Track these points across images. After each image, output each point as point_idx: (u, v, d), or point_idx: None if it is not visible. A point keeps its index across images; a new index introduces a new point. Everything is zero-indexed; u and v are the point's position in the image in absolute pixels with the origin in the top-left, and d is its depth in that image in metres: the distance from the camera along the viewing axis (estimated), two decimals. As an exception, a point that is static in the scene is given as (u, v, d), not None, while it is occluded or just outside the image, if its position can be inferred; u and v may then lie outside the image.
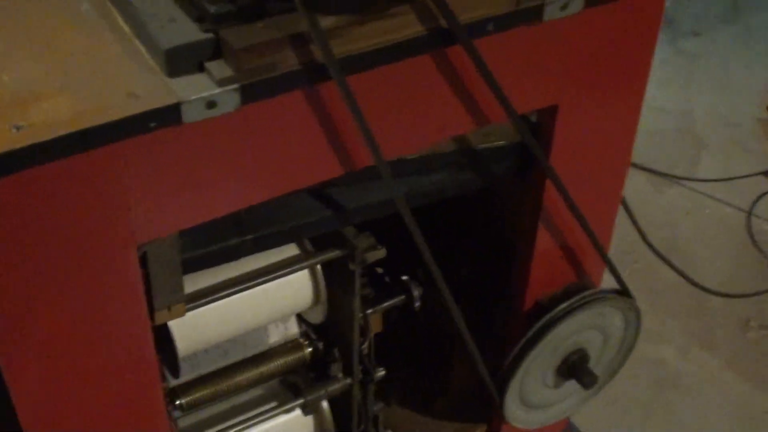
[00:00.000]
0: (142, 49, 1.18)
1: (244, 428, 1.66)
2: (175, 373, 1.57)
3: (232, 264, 1.49)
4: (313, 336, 1.75)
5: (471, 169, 1.54)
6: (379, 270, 1.84)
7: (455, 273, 1.89)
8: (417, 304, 1.85)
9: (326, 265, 1.61)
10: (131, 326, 1.28)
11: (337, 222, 1.45)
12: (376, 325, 1.92)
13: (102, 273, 1.20)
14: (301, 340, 1.73)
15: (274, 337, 1.72)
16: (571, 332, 1.75)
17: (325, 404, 1.77)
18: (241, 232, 1.37)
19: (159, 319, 1.36)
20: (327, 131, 1.25)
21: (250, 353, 1.70)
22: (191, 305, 1.44)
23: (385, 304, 1.83)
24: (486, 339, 1.83)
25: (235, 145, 1.19)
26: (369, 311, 1.78)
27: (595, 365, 1.81)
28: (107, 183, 1.12)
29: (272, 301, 1.56)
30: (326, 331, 1.75)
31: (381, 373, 1.78)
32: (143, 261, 1.28)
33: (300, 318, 1.76)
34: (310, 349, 1.73)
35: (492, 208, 1.82)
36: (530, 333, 1.70)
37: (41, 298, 1.17)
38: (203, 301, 1.45)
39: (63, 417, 1.32)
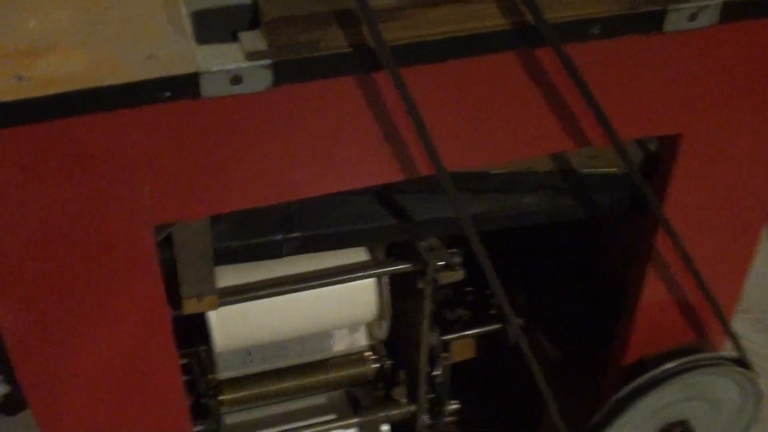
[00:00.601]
0: (184, 10, 1.05)
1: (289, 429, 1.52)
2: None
3: (286, 261, 1.35)
4: (383, 352, 1.58)
5: (570, 195, 1.33)
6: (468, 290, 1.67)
7: (554, 308, 1.69)
8: (511, 338, 1.65)
9: (399, 280, 1.44)
10: (146, 311, 1.16)
11: (399, 233, 1.29)
12: (462, 352, 1.75)
13: (112, 251, 1.09)
14: (367, 354, 1.57)
15: (339, 345, 1.57)
16: (675, 399, 1.50)
17: (386, 428, 1.61)
18: (287, 229, 1.23)
19: (188, 308, 1.24)
20: (380, 128, 1.09)
21: (309, 358, 1.56)
22: (235, 299, 1.31)
23: (472, 332, 1.65)
24: (578, 390, 1.62)
25: (263, 131, 1.04)
26: (450, 337, 1.61)
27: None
28: (110, 152, 1.00)
29: (328, 307, 1.41)
30: (396, 350, 1.59)
31: (454, 406, 1.59)
32: (169, 244, 1.16)
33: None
34: (375, 366, 1.57)
35: (601, 241, 1.59)
36: (624, 391, 1.47)
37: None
38: (249, 296, 1.32)
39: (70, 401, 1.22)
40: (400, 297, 1.48)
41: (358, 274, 1.36)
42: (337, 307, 1.42)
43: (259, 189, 1.09)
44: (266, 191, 1.10)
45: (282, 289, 1.33)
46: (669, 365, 1.47)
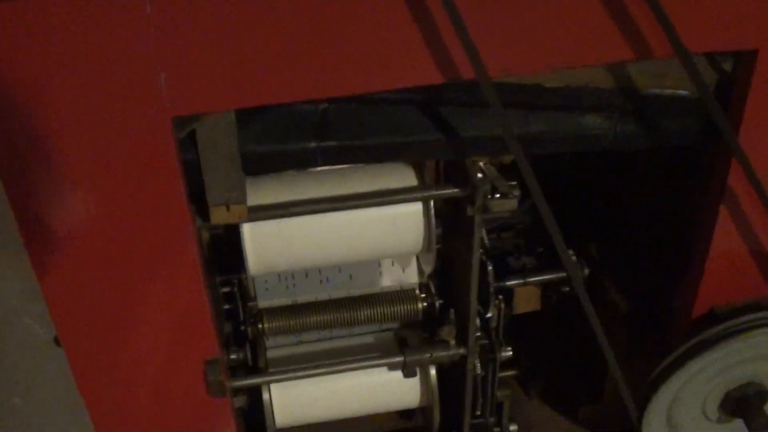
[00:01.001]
0: None
1: (334, 371, 1.45)
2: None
3: (327, 178, 1.28)
4: (434, 291, 1.50)
5: (634, 119, 1.21)
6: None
7: (624, 258, 1.57)
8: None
9: (451, 212, 1.36)
10: (165, 211, 1.11)
11: (443, 149, 1.19)
12: (525, 303, 1.65)
13: (130, 141, 1.04)
14: (417, 292, 1.49)
15: (387, 281, 1.49)
16: (748, 357, 1.37)
17: (433, 373, 1.52)
18: (323, 135, 1.16)
19: (215, 217, 1.18)
20: (419, 22, 1.00)
21: (355, 292, 1.48)
22: (270, 214, 1.25)
23: (534, 279, 1.54)
24: (647, 346, 1.50)
25: (291, 17, 0.96)
26: (512, 283, 1.52)
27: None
28: (121, 36, 0.94)
29: (370, 232, 1.33)
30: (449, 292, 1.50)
31: (507, 353, 1.49)
32: (194, 143, 1.10)
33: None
34: (424, 304, 1.48)
35: (671, 184, 1.47)
36: (691, 342, 1.35)
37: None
38: (285, 212, 1.25)
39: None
40: (452, 234, 1.40)
41: (404, 196, 1.27)
42: (381, 234, 1.33)
43: (286, 82, 1.02)
44: (294, 85, 1.03)
45: (321, 207, 1.25)
46: (743, 319, 1.34)
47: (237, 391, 1.45)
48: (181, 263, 1.18)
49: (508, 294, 1.65)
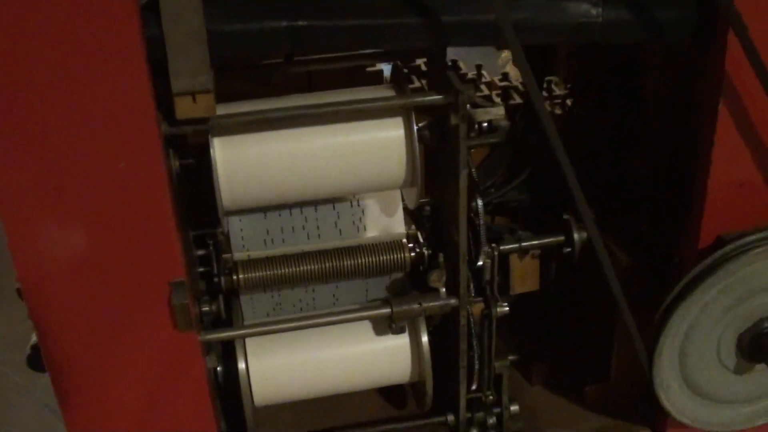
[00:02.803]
0: None
1: (314, 324, 1.33)
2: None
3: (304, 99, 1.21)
4: (422, 241, 1.40)
5: (621, 4, 1.15)
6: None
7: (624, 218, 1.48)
8: (575, 250, 1.45)
9: (435, 135, 1.28)
10: (127, 97, 1.03)
11: (424, 35, 1.13)
12: (523, 282, 1.55)
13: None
14: (404, 241, 1.38)
15: (372, 231, 1.39)
16: (759, 285, 1.26)
17: (425, 340, 1.40)
18: (293, 14, 1.09)
19: (180, 110, 1.10)
20: None
21: (338, 243, 1.38)
22: (240, 121, 1.17)
23: (530, 243, 1.45)
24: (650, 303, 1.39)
25: None
26: (508, 247, 1.42)
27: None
28: None
29: (350, 160, 1.24)
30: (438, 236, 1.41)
31: (504, 309, 1.38)
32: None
33: (414, 220, 1.43)
34: (412, 254, 1.38)
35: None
36: (697, 269, 1.25)
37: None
38: (258, 118, 1.17)
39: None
40: (439, 170, 1.31)
41: (383, 104, 1.20)
42: (362, 160, 1.25)
43: None
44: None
45: (295, 113, 1.17)
46: (749, 238, 1.24)
47: (209, 349, 1.32)
48: (143, 165, 1.09)
49: (505, 270, 1.55)
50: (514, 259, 1.55)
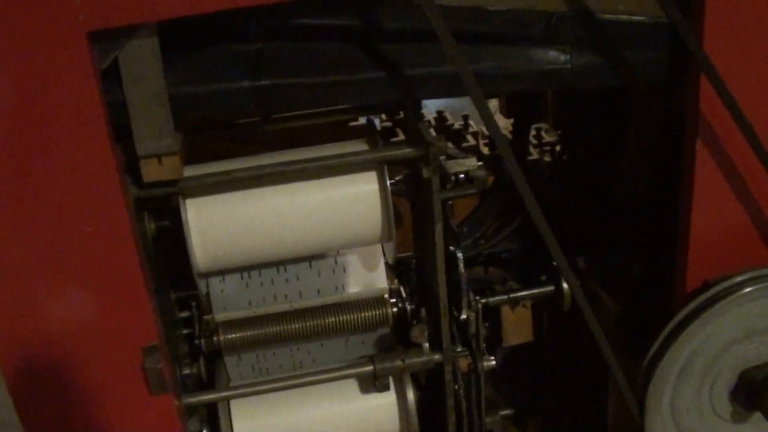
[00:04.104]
0: None
1: (298, 384, 1.31)
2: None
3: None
4: (405, 296, 1.38)
5: (590, 49, 1.13)
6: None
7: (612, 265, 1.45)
8: (564, 300, 1.43)
9: (411, 186, 1.27)
10: (88, 155, 1.03)
11: (389, 89, 1.12)
12: (516, 333, 1.52)
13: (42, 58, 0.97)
14: (387, 297, 1.36)
15: (354, 287, 1.37)
16: (750, 330, 1.22)
17: (411, 397, 1.37)
18: (256, 75, 1.09)
19: (147, 173, 1.10)
20: None
21: (320, 301, 1.36)
22: (211, 181, 1.16)
23: (519, 294, 1.43)
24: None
25: None
26: (497, 299, 1.40)
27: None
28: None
29: (324, 217, 1.23)
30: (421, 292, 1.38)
31: (490, 363, 1.35)
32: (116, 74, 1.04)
33: (398, 274, 1.41)
34: (394, 310, 1.35)
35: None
36: (682, 313, 1.21)
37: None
38: (229, 177, 1.16)
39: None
40: (420, 222, 1.30)
41: (356, 158, 1.19)
42: (335, 217, 1.23)
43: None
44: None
45: (266, 171, 1.16)
46: (737, 279, 1.20)
47: (192, 412, 1.30)
48: (110, 230, 1.08)
49: (497, 321, 1.53)
50: (506, 310, 1.53)
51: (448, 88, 1.13)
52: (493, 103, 1.73)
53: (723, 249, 1.24)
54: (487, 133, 1.70)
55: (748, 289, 1.20)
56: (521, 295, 1.45)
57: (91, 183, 1.05)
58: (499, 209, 1.60)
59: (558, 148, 1.65)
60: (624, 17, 1.13)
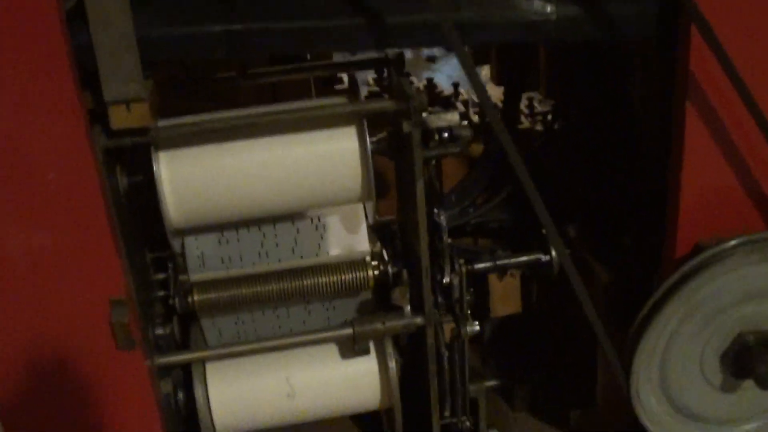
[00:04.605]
0: None
1: (275, 346, 1.28)
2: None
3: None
4: (387, 259, 1.34)
5: (576, 2, 1.10)
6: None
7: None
8: (554, 268, 1.39)
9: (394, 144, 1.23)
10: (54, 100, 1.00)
11: (366, 37, 1.08)
12: (504, 303, 1.48)
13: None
14: (368, 259, 1.33)
15: (335, 249, 1.34)
16: (741, 295, 1.18)
17: (392, 365, 1.33)
18: (227, 18, 1.05)
19: (115, 120, 1.06)
20: None
21: (298, 262, 1.33)
22: (183, 130, 1.13)
23: (506, 261, 1.39)
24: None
25: None
26: (483, 265, 1.36)
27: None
28: None
29: (302, 173, 1.19)
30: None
31: (474, 328, 1.31)
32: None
33: (381, 238, 1.38)
34: (375, 272, 1.32)
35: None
36: (674, 277, 1.17)
37: None
38: (203, 128, 1.13)
39: None
40: (402, 183, 1.26)
41: (334, 110, 1.15)
42: (313, 173, 1.20)
43: None
44: None
45: (238, 122, 1.13)
46: (728, 243, 1.17)
47: (165, 374, 1.27)
48: (75, 176, 1.05)
49: (484, 291, 1.49)
50: (493, 280, 1.49)
51: (427, 37, 1.09)
52: (485, 72, 1.69)
53: (714, 211, 1.21)
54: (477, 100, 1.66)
55: (741, 254, 1.15)
56: (509, 263, 1.41)
57: (56, 128, 1.02)
58: (488, 178, 1.57)
59: (550, 117, 1.61)
60: (608, -31, 1.09)
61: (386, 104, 1.15)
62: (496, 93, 1.67)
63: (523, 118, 1.69)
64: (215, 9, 1.05)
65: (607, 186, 1.48)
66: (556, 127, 1.58)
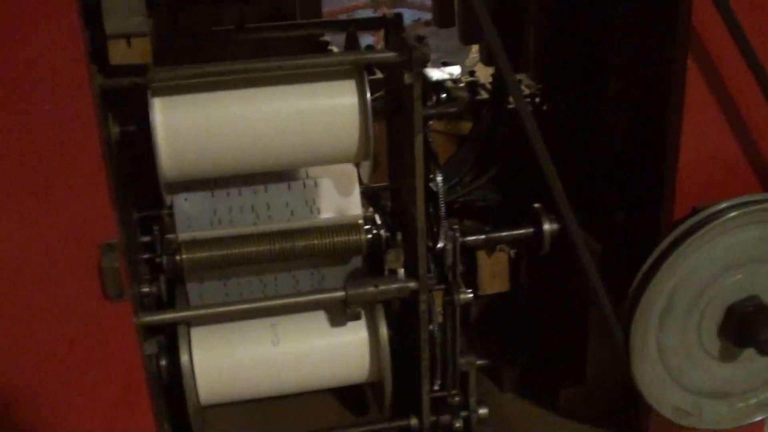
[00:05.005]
0: None
1: (263, 307, 1.24)
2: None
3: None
4: (380, 223, 1.32)
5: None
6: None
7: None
8: (545, 242, 1.37)
9: (390, 103, 1.21)
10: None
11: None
12: (492, 281, 1.47)
13: None
14: (361, 222, 1.30)
15: (327, 212, 1.31)
16: (738, 260, 1.18)
17: (383, 332, 1.30)
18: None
19: (114, 55, 1.03)
20: None
21: (289, 224, 1.30)
22: (180, 74, 1.10)
23: (501, 234, 1.37)
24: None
25: None
26: (472, 238, 1.34)
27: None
28: None
29: (298, 128, 1.17)
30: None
31: (467, 295, 1.29)
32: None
33: (373, 204, 1.35)
34: (368, 236, 1.29)
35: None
36: (671, 236, 1.17)
37: None
38: (201, 73, 1.10)
39: None
40: (396, 142, 1.25)
41: (334, 59, 1.14)
42: (311, 125, 1.18)
43: None
44: None
45: (238, 69, 1.11)
46: (723, 205, 1.16)
47: (150, 334, 1.23)
48: (71, 110, 1.02)
49: (473, 269, 1.47)
50: (482, 257, 1.47)
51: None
52: (474, 53, 1.69)
53: (713, 177, 1.20)
54: (465, 81, 1.65)
55: (733, 214, 1.15)
56: (499, 236, 1.40)
57: (57, 59, 0.99)
58: (476, 157, 1.56)
59: (538, 100, 1.61)
60: None
61: (388, 55, 1.13)
62: (482, 74, 1.66)
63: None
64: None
65: (598, 162, 1.47)
66: (544, 108, 1.58)
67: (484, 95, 1.60)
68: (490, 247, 1.43)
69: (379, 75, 1.47)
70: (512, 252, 1.51)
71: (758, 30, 1.10)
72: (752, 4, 1.10)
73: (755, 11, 1.11)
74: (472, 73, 1.68)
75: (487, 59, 1.62)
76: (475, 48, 1.67)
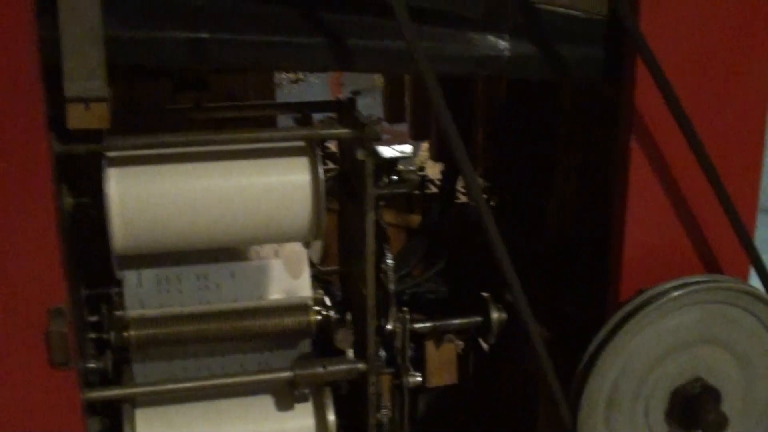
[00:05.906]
0: None
1: (208, 386, 1.23)
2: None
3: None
4: (329, 304, 1.32)
5: (527, 38, 1.15)
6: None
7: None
8: (493, 331, 1.39)
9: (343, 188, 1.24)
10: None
11: (328, 58, 1.10)
12: (440, 374, 1.47)
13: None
14: (309, 303, 1.31)
15: (276, 293, 1.31)
16: (682, 342, 1.20)
17: (331, 418, 1.29)
18: (196, 25, 1.07)
19: (73, 119, 1.05)
20: None
21: (238, 304, 1.30)
22: (135, 143, 1.12)
23: (449, 322, 1.39)
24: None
25: None
26: (422, 326, 1.36)
27: (734, 408, 1.22)
28: None
29: (251, 204, 1.18)
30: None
31: (416, 378, 1.29)
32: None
33: (323, 287, 1.36)
34: (317, 317, 1.29)
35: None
36: (616, 316, 1.19)
37: None
38: (153, 143, 1.12)
39: None
40: (349, 223, 1.27)
41: (287, 134, 1.16)
42: (264, 204, 1.19)
43: None
44: None
45: (191, 139, 1.13)
46: (666, 286, 1.19)
47: (93, 410, 1.20)
48: (27, 167, 1.03)
49: (421, 360, 1.47)
50: (430, 347, 1.48)
51: (388, 63, 1.13)
52: (424, 151, 1.73)
53: (659, 260, 1.23)
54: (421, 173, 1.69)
55: (677, 294, 1.18)
56: (448, 324, 1.41)
57: (17, 118, 1.00)
58: (425, 249, 1.58)
59: (485, 196, 1.65)
60: (561, 10, 1.15)
61: (341, 132, 1.16)
62: (432, 172, 1.71)
63: (459, 195, 1.72)
64: (185, 16, 1.06)
65: (542, 261, 1.50)
66: (492, 204, 1.62)
67: (434, 190, 1.64)
68: (438, 335, 1.43)
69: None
70: (459, 346, 1.52)
71: (701, 113, 1.15)
72: (695, 87, 1.16)
73: (698, 95, 1.16)
74: (421, 169, 1.72)
75: (437, 155, 1.66)
76: (425, 145, 1.71)
